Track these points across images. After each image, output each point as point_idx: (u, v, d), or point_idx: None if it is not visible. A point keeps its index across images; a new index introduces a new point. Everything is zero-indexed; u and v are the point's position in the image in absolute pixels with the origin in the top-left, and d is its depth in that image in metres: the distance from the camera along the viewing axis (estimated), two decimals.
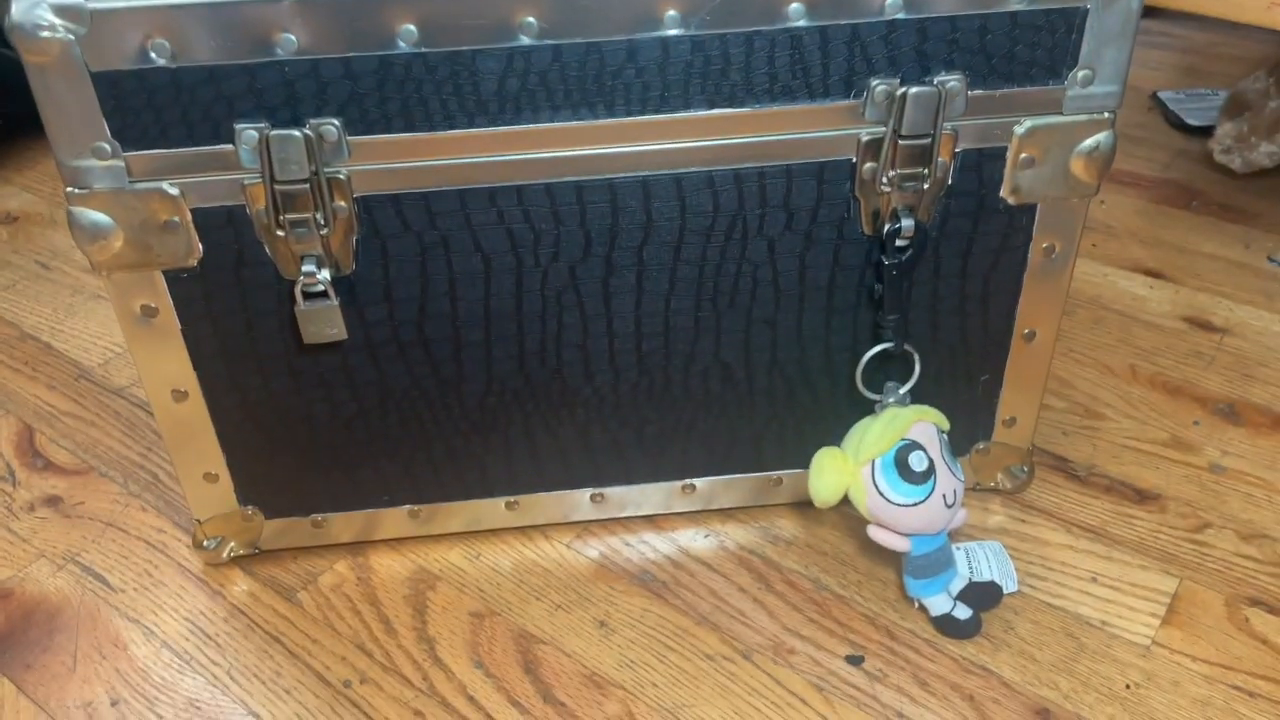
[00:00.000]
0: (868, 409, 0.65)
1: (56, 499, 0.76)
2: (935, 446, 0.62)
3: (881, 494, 0.61)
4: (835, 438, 0.66)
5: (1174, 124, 1.21)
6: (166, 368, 0.61)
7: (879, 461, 0.62)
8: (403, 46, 0.52)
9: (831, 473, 0.62)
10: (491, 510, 0.70)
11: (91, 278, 1.01)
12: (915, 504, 0.61)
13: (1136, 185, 1.10)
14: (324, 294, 0.58)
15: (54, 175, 1.20)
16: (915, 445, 0.62)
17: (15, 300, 0.98)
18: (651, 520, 0.73)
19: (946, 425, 0.64)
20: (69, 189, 0.54)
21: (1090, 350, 0.86)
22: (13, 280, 1.01)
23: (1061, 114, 0.57)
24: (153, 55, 0.50)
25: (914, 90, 0.54)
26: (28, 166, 1.22)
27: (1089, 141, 0.58)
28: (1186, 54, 1.40)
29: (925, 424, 0.63)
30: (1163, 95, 1.25)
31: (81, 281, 1.00)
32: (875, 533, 0.63)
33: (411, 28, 0.51)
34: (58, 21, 0.49)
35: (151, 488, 0.77)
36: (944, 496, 0.62)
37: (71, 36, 0.49)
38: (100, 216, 0.55)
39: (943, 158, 0.57)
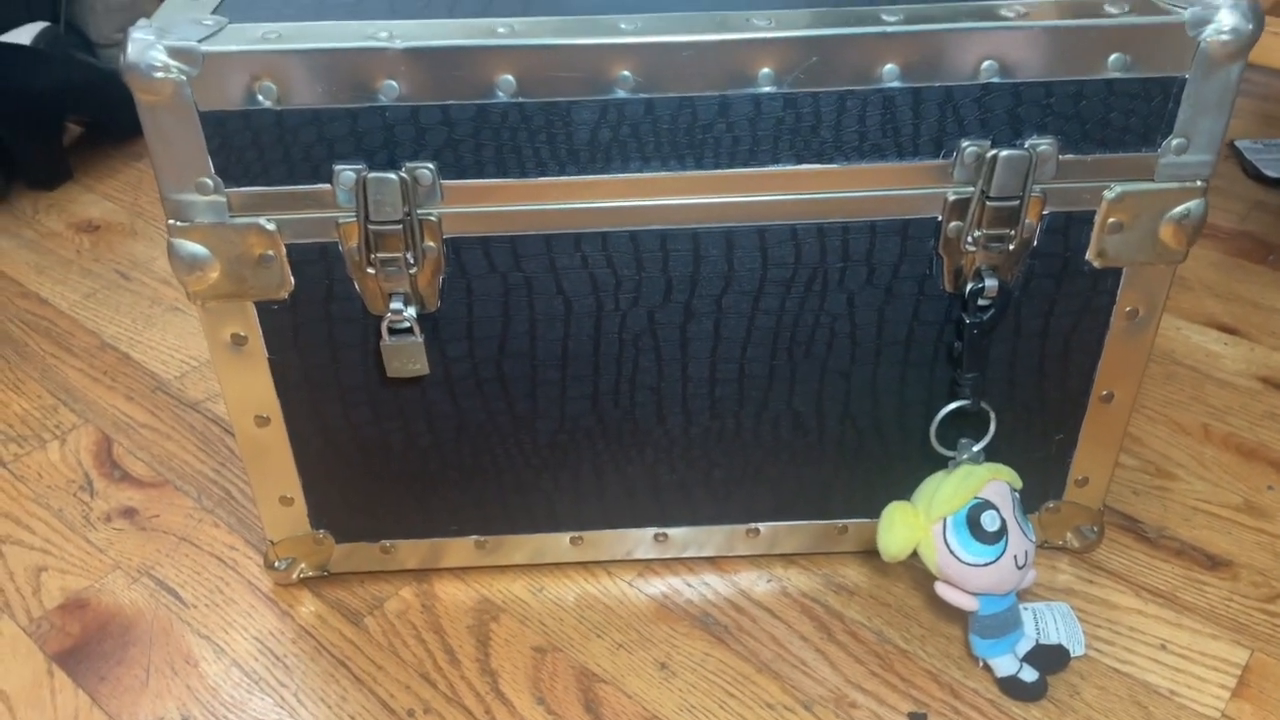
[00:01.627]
0: (939, 461, 0.65)
1: (132, 510, 0.78)
2: (1008, 506, 0.62)
3: (952, 552, 0.61)
4: (905, 489, 0.66)
5: (1251, 174, 1.19)
6: (252, 394, 0.62)
7: (951, 520, 0.61)
8: (501, 96, 0.53)
9: (902, 528, 0.62)
10: (556, 544, 0.71)
11: (170, 289, 1.04)
12: (986, 564, 0.61)
13: (1212, 237, 1.08)
14: (409, 330, 0.59)
15: (134, 185, 1.23)
16: (988, 505, 0.61)
17: (95, 309, 1.01)
18: (713, 561, 0.73)
19: (1019, 484, 0.64)
20: (171, 221, 0.56)
21: (1162, 407, 0.85)
22: (93, 289, 1.04)
23: (1153, 181, 0.56)
24: (260, 98, 0.52)
25: (1005, 153, 0.54)
26: (109, 175, 1.25)
27: (1180, 209, 0.57)
28: (1265, 102, 1.37)
29: (998, 483, 0.62)
30: (1240, 144, 1.23)
31: (159, 293, 1.03)
32: (943, 590, 0.63)
33: (510, 78, 0.52)
34: (172, 63, 0.51)
35: (224, 504, 0.79)
36: (1015, 558, 0.61)
37: (184, 78, 0.51)
38: (199, 249, 0.56)
39: (1030, 219, 0.57)
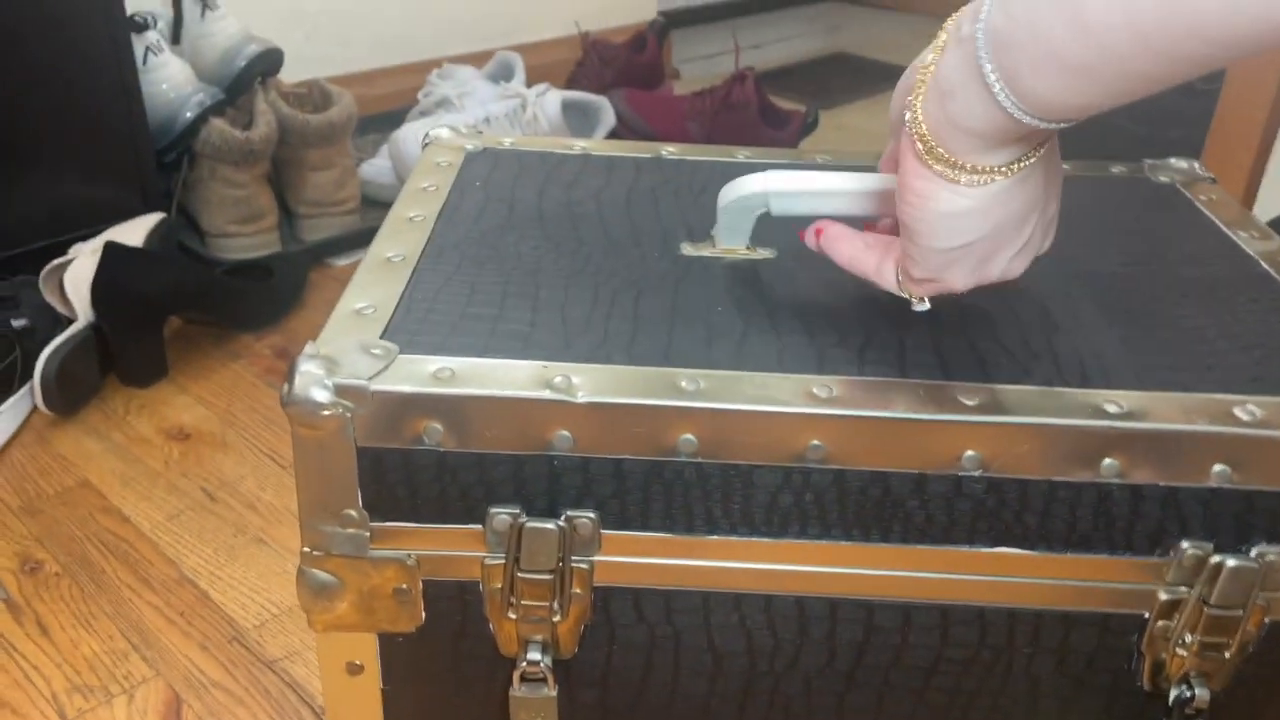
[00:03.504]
0: None
1: None
2: None
3: None
4: None
5: None
6: None
7: None
8: (681, 455, 0.49)
9: None
10: None
11: (255, 515, 1.00)
12: None
13: None
14: (543, 680, 0.54)
15: (229, 388, 1.21)
16: None
17: (178, 534, 0.97)
18: None
19: None
20: (305, 549, 0.51)
21: None
22: (178, 510, 1.00)
23: None
24: (425, 439, 0.48)
25: (1231, 563, 0.49)
26: (204, 375, 1.24)
27: None
28: None
29: None
30: None
31: (245, 520, 0.99)
32: None
33: (692, 438, 0.48)
34: (338, 400, 0.47)
35: None
36: None
37: (348, 415, 0.48)
38: (331, 579, 0.52)
39: (1250, 626, 0.51)
